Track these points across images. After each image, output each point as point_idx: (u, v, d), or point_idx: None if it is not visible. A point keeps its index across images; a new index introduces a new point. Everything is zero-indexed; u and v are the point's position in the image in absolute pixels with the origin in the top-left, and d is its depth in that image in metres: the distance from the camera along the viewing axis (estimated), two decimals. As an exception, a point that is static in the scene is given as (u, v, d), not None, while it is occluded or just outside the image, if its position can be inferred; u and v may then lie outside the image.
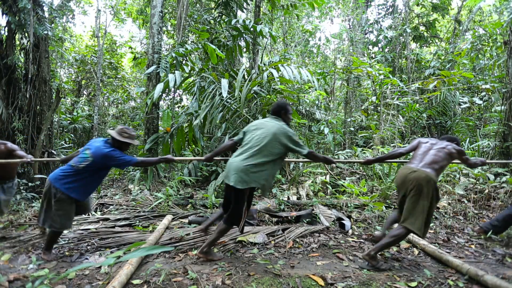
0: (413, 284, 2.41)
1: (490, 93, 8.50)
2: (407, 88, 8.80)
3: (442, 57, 10.07)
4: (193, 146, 6.58)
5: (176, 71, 5.74)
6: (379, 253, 2.80)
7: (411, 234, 3.47)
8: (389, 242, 2.70)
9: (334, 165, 6.25)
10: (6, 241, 3.20)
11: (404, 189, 2.76)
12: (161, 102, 8.55)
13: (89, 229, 3.68)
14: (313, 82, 5.71)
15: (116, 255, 1.64)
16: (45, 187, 2.84)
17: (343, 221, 3.90)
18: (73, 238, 3.35)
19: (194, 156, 6.85)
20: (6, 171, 3.39)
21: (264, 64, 7.94)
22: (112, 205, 4.93)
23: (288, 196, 5.05)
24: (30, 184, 5.09)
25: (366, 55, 12.18)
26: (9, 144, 3.38)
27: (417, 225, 2.61)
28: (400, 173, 2.86)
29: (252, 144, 2.71)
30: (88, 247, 3.15)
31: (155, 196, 5.26)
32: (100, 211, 4.70)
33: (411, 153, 3.13)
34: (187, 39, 8.57)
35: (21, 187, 4.93)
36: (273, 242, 3.32)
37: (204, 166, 6.15)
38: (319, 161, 2.91)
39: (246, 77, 6.23)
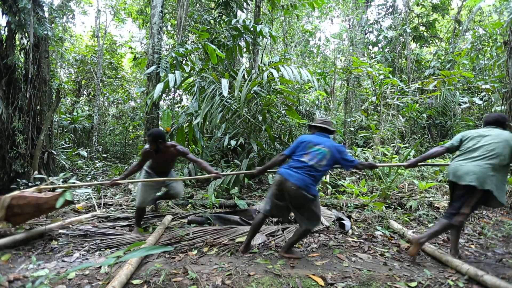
0: (413, 284, 2.41)
1: (490, 93, 8.51)
2: (407, 88, 8.80)
3: (442, 57, 10.07)
4: (193, 146, 6.58)
5: (176, 71, 5.74)
6: None
7: (412, 234, 3.48)
8: None
9: None
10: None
11: None
12: (161, 102, 8.55)
13: (89, 229, 3.68)
14: (313, 82, 5.71)
15: (116, 255, 1.64)
16: (297, 196, 2.74)
17: (343, 221, 3.90)
18: (73, 238, 3.35)
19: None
20: (169, 166, 3.84)
21: (264, 64, 7.94)
22: (112, 205, 4.92)
23: (288, 196, 5.04)
24: (30, 184, 5.09)
25: (366, 55, 12.18)
26: (179, 147, 3.59)
27: None
28: None
29: (484, 149, 2.80)
30: (88, 247, 3.15)
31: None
32: (100, 211, 4.69)
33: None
34: (187, 39, 8.57)
35: (21, 187, 4.93)
36: (273, 242, 3.32)
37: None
38: None
39: (246, 77, 6.23)
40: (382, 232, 3.70)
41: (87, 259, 2.88)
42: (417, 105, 8.68)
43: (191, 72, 6.76)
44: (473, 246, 3.36)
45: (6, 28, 5.59)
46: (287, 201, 2.88)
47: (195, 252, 3.02)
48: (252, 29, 6.51)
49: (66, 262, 2.80)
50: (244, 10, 8.90)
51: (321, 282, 2.39)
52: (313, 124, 3.11)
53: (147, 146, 3.56)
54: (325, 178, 5.65)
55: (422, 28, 11.74)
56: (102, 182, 4.05)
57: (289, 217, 3.79)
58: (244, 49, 7.55)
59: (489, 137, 2.84)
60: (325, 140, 2.90)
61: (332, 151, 2.83)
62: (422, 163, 3.30)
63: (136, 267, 2.56)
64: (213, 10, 8.35)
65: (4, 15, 5.43)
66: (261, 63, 8.37)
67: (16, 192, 3.29)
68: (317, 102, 10.18)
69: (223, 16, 7.84)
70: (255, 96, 6.09)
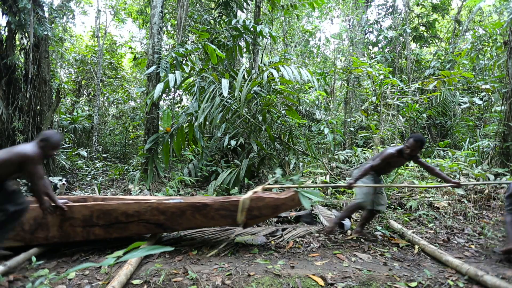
0: (413, 284, 2.41)
1: (490, 93, 8.51)
2: (407, 88, 8.80)
3: (442, 57, 10.07)
4: (193, 146, 6.58)
5: (176, 71, 5.74)
6: None
7: (412, 234, 3.48)
8: None
9: (334, 164, 6.23)
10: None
11: None
12: (161, 102, 8.54)
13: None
14: (313, 82, 5.71)
15: (116, 255, 1.64)
16: None
17: (342, 221, 3.90)
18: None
19: (194, 156, 6.84)
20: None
21: (264, 64, 7.94)
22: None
23: (288, 196, 5.04)
24: (29, 184, 5.08)
25: (366, 55, 12.18)
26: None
27: None
28: None
29: None
30: (88, 247, 3.15)
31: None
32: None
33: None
34: (187, 39, 8.57)
35: (22, 187, 4.93)
36: (273, 242, 3.32)
37: (204, 166, 6.15)
38: None
39: (246, 77, 6.22)
40: (382, 232, 3.70)
41: (87, 259, 2.88)
42: (417, 105, 8.68)
43: (191, 72, 6.76)
44: (473, 246, 3.36)
45: (6, 28, 5.60)
46: None
47: (195, 252, 3.02)
48: (252, 29, 6.51)
49: (66, 262, 2.80)
50: (244, 10, 8.90)
51: (321, 282, 2.39)
52: None
53: (391, 150, 3.40)
54: (325, 178, 5.64)
55: (422, 28, 11.74)
56: (337, 185, 4.01)
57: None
58: (244, 49, 7.55)
59: None
60: None
61: None
62: None
63: (136, 267, 2.57)
64: (213, 10, 8.34)
65: (4, 15, 5.44)
66: (261, 63, 8.37)
67: (250, 194, 3.07)
68: (317, 102, 10.19)
69: (223, 16, 7.84)
70: (255, 96, 6.09)
